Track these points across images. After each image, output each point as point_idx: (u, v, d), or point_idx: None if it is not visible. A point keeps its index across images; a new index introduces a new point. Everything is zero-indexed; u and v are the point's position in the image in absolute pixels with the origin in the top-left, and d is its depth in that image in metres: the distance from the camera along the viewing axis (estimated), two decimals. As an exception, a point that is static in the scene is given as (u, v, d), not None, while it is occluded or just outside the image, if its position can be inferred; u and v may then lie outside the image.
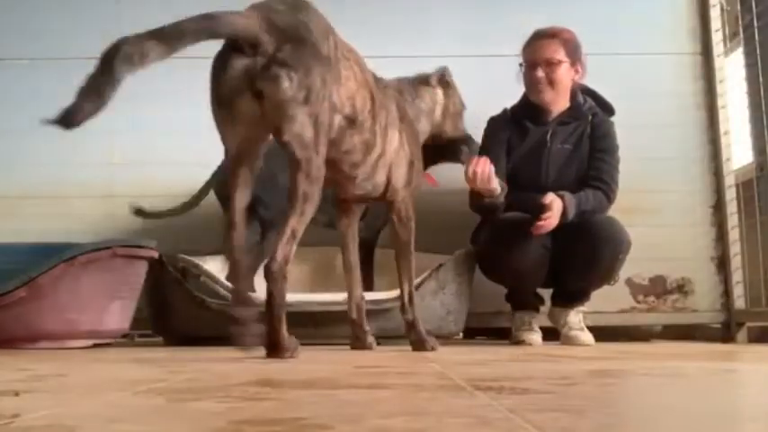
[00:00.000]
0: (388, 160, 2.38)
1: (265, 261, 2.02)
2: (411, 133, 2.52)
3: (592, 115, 3.09)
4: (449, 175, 3.44)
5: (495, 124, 3.17)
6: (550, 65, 3.03)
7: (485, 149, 3.11)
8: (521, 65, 3.09)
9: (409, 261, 2.53)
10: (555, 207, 2.76)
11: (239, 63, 1.88)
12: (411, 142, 2.50)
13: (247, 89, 1.89)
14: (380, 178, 2.40)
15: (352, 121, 2.15)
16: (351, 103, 2.14)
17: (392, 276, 3.15)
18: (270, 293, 1.99)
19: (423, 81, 2.73)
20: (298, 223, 1.97)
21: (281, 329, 2.00)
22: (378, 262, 3.22)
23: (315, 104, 1.93)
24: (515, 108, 3.18)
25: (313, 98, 1.92)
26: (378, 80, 2.38)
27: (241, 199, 2.04)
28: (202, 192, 3.16)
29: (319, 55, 1.96)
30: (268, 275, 1.98)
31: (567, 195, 2.83)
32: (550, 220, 2.74)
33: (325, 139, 2.01)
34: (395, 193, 2.46)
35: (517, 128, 3.12)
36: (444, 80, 2.78)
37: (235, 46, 1.89)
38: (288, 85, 1.88)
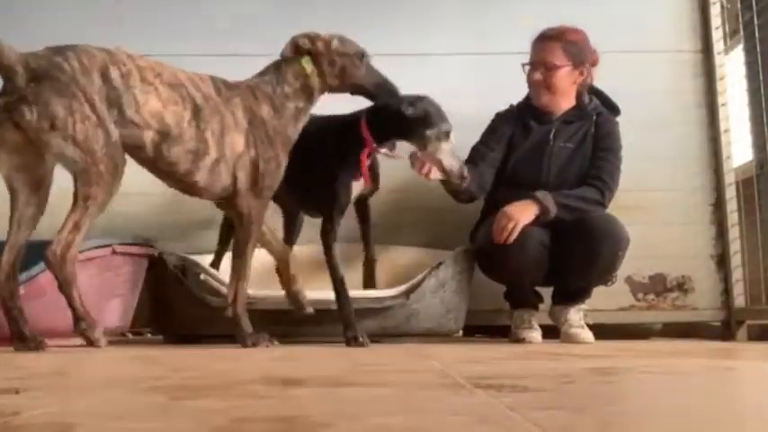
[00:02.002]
0: (231, 164, 2.49)
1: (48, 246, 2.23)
2: (263, 134, 2.53)
3: (596, 115, 3.09)
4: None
5: (499, 119, 3.17)
6: (549, 69, 3.02)
7: (481, 141, 3.11)
8: (523, 65, 3.08)
9: (242, 260, 2.55)
10: (513, 213, 2.77)
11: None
12: (262, 143, 2.53)
13: (7, 119, 2.17)
14: (227, 180, 2.51)
15: (165, 135, 2.36)
16: (158, 120, 2.35)
17: (391, 276, 3.16)
18: (57, 279, 2.22)
19: (278, 63, 2.62)
20: (80, 218, 2.23)
21: (78, 305, 2.24)
22: (377, 261, 3.21)
23: (65, 129, 2.19)
24: (521, 105, 3.17)
25: (60, 125, 2.18)
26: (219, 89, 2.49)
27: (19, 234, 2.33)
28: None
29: (63, 90, 2.20)
30: (48, 262, 2.22)
31: (540, 193, 2.84)
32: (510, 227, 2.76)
33: (106, 149, 2.25)
34: (236, 195, 2.53)
35: (521, 125, 3.11)
36: (299, 48, 2.60)
37: None
38: (29, 117, 2.16)
